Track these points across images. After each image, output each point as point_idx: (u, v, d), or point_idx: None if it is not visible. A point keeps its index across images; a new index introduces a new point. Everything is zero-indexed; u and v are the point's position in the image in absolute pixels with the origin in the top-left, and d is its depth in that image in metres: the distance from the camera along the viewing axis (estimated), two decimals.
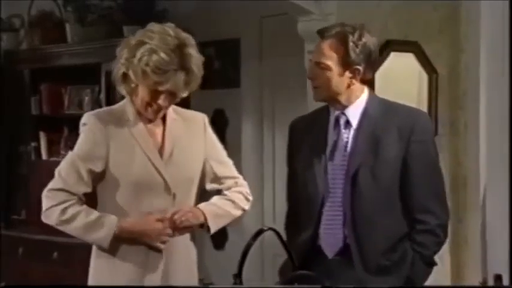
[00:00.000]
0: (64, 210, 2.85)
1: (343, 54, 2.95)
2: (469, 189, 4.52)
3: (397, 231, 2.98)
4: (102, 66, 5.44)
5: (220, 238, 5.73)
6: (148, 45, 2.81)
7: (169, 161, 2.92)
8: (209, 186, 3.03)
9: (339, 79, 2.97)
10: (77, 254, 5.10)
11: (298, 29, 4.54)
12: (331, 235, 2.99)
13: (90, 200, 2.94)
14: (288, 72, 5.35)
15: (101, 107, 5.26)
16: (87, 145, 2.90)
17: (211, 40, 5.47)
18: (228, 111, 5.88)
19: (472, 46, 4.53)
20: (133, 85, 2.88)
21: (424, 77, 4.66)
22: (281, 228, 2.80)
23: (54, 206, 2.86)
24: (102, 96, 5.60)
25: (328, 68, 2.96)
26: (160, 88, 2.82)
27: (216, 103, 5.86)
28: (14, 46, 6.23)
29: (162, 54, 2.78)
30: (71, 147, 2.98)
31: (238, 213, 3.04)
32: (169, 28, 2.87)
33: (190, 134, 3.00)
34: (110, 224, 2.85)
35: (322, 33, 3.01)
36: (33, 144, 6.10)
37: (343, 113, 3.02)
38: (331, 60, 2.96)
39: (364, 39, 2.96)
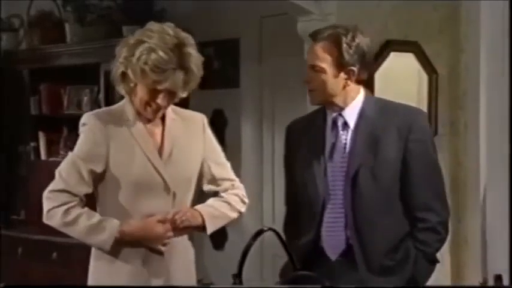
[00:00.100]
0: (67, 212, 2.84)
1: (337, 56, 2.95)
2: (469, 189, 4.52)
3: (398, 231, 2.99)
4: (101, 66, 5.44)
5: (219, 238, 5.72)
6: (147, 44, 2.80)
7: (168, 161, 2.92)
8: (206, 187, 3.03)
9: (334, 81, 2.97)
10: (76, 254, 5.10)
11: (298, 29, 4.53)
12: (333, 237, 2.99)
13: (89, 200, 2.94)
14: (287, 72, 5.34)
15: (100, 107, 5.27)
16: (88, 145, 2.89)
17: (210, 40, 5.47)
18: (228, 112, 5.88)
19: (472, 46, 4.53)
20: (132, 85, 2.87)
21: (424, 77, 4.66)
22: (281, 229, 2.80)
23: (56, 207, 2.85)
24: (101, 96, 5.60)
25: (323, 71, 2.97)
26: (159, 87, 2.82)
27: (215, 103, 5.85)
28: (13, 46, 6.22)
29: (161, 53, 2.78)
30: (70, 147, 2.97)
31: (235, 215, 3.04)
32: (169, 27, 2.86)
33: (189, 134, 3.00)
34: (112, 228, 2.84)
35: (314, 36, 3.01)
36: (32, 144, 6.10)
37: (341, 115, 3.02)
38: (326, 63, 2.96)
39: (357, 40, 2.96)
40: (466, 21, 4.60)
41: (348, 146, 3.00)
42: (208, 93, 5.83)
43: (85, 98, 5.81)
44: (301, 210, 3.08)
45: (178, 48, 2.81)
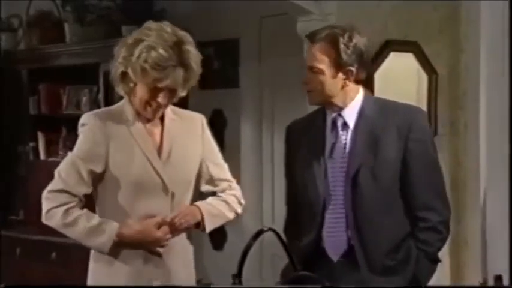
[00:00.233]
0: (66, 212, 2.84)
1: (335, 57, 2.95)
2: (469, 189, 4.52)
3: (400, 231, 2.98)
4: (100, 66, 5.43)
5: (219, 238, 5.72)
6: (146, 42, 2.80)
7: (167, 161, 2.91)
8: (204, 187, 3.03)
9: (332, 81, 2.97)
10: (75, 254, 5.09)
11: (297, 29, 4.53)
12: (334, 238, 2.98)
13: (88, 200, 2.93)
14: (287, 72, 5.34)
15: (99, 107, 5.26)
16: (87, 145, 2.88)
17: (210, 40, 5.46)
18: (227, 112, 5.87)
19: (472, 46, 4.52)
20: (131, 85, 2.87)
21: (424, 77, 4.66)
22: (280, 229, 2.79)
23: (55, 208, 2.84)
24: (101, 96, 5.59)
25: (321, 72, 2.97)
26: (160, 85, 2.81)
27: (215, 103, 5.85)
28: (12, 46, 6.22)
29: (161, 51, 2.77)
30: (69, 148, 2.97)
31: (232, 215, 3.04)
32: (166, 25, 2.86)
33: (188, 134, 3.00)
34: (111, 230, 2.84)
35: (312, 37, 3.01)
36: (31, 144, 6.09)
37: (340, 115, 3.02)
38: (324, 64, 2.96)
39: (354, 40, 2.96)
40: (466, 21, 4.60)
41: (347, 146, 2.99)
42: (208, 93, 5.83)
43: (84, 98, 5.80)
44: (302, 210, 3.07)
45: (177, 45, 2.81)
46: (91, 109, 5.28)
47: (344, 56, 2.94)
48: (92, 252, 2.94)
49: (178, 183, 2.92)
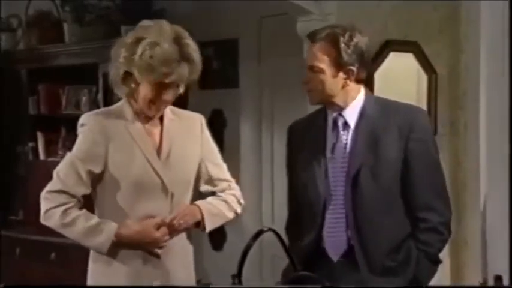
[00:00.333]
0: (64, 213, 2.83)
1: (336, 56, 2.94)
2: (469, 189, 4.51)
3: (400, 231, 2.97)
4: (99, 66, 5.42)
5: (218, 239, 5.72)
6: (148, 40, 2.80)
7: (166, 161, 2.91)
8: (203, 187, 3.03)
9: (332, 81, 2.96)
10: (74, 254, 5.08)
11: (297, 29, 4.53)
12: (334, 238, 2.97)
13: (86, 201, 2.92)
14: (287, 72, 5.33)
15: (98, 107, 5.25)
16: (86, 146, 2.88)
17: (210, 40, 5.46)
18: (227, 112, 5.87)
19: (472, 46, 4.52)
20: (133, 85, 2.86)
21: (424, 77, 4.65)
22: (280, 229, 2.79)
23: (54, 208, 2.84)
24: (100, 96, 5.58)
25: (322, 71, 2.96)
26: (167, 80, 2.81)
27: (214, 103, 5.85)
28: (11, 46, 6.21)
29: (165, 46, 2.78)
30: (69, 148, 2.97)
31: (231, 215, 3.04)
32: (162, 22, 2.86)
33: (188, 134, 2.99)
34: (109, 230, 2.83)
35: (312, 37, 3.01)
36: (30, 144, 6.08)
37: (341, 114, 3.01)
38: (324, 63, 2.95)
39: (355, 40, 2.95)
40: (466, 21, 4.59)
41: (348, 145, 2.99)
42: (208, 93, 5.83)
43: (83, 98, 5.80)
44: (303, 210, 3.07)
45: (178, 40, 2.82)
46: (90, 109, 5.27)
47: (345, 56, 2.93)
48: (92, 252, 2.93)
49: (178, 184, 2.92)
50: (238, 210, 3.06)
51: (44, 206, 2.86)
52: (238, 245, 2.62)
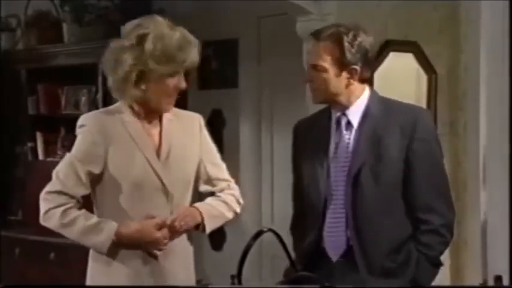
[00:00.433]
0: (64, 213, 2.82)
1: (339, 55, 2.93)
2: (469, 189, 4.51)
3: (401, 232, 2.95)
4: (99, 66, 5.40)
5: (218, 239, 5.71)
6: (152, 34, 2.82)
7: (166, 161, 2.91)
8: (203, 187, 3.03)
9: (336, 80, 2.95)
10: (73, 254, 5.07)
11: (297, 29, 4.52)
12: (334, 237, 2.96)
13: (86, 202, 2.91)
14: (286, 72, 5.33)
15: (97, 107, 5.24)
16: (85, 146, 2.87)
17: (209, 40, 5.43)
18: (226, 112, 5.87)
19: (472, 46, 4.52)
20: (143, 87, 2.84)
21: (423, 77, 4.65)
22: (280, 230, 2.78)
23: (53, 209, 2.83)
24: (99, 96, 5.57)
25: (325, 70, 2.95)
26: (184, 66, 2.84)
27: (214, 103, 5.84)
28: (10, 46, 6.20)
29: (171, 33, 2.81)
30: (68, 148, 2.96)
31: (231, 215, 3.04)
32: (151, 16, 2.89)
33: (187, 134, 2.99)
34: (109, 229, 2.83)
35: (316, 35, 2.99)
36: (30, 144, 6.07)
37: (344, 114, 3.00)
38: (327, 62, 2.94)
39: (359, 39, 2.94)
40: (466, 21, 4.59)
41: (350, 145, 2.97)
42: (207, 93, 5.83)
43: (83, 98, 5.79)
44: (306, 211, 3.06)
45: (172, 27, 2.85)
46: (90, 109, 5.28)
47: (348, 55, 2.92)
48: (91, 251, 2.93)
49: (177, 184, 2.91)
50: (238, 210, 3.05)
51: (43, 206, 2.85)
52: (238, 245, 2.62)
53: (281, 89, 5.49)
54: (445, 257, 3.07)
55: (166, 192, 2.88)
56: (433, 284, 3.07)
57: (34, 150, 6.07)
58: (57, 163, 2.92)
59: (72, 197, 2.84)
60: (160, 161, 2.89)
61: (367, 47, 2.95)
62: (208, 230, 2.95)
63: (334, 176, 2.97)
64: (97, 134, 2.86)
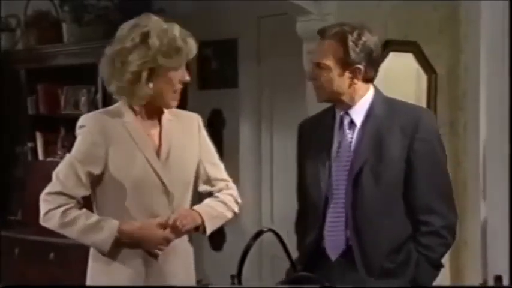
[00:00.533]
0: (65, 213, 2.82)
1: (343, 54, 2.92)
2: (469, 189, 4.50)
3: (401, 233, 2.93)
4: (98, 66, 5.40)
5: (218, 239, 5.71)
6: (154, 31, 2.83)
7: (166, 162, 2.90)
8: (202, 188, 3.02)
9: (339, 79, 2.94)
10: (73, 254, 5.08)
11: (296, 29, 4.52)
12: (334, 237, 2.95)
13: (86, 203, 2.91)
14: (286, 72, 5.33)
15: (97, 107, 5.24)
16: (85, 147, 2.87)
17: (209, 40, 5.44)
18: (226, 112, 5.86)
19: (472, 46, 4.51)
20: (151, 85, 2.84)
21: (423, 77, 4.64)
22: (279, 229, 2.78)
23: (53, 210, 2.82)
24: (99, 96, 5.57)
25: (328, 68, 2.94)
26: (191, 56, 2.87)
27: (213, 103, 5.84)
28: (10, 46, 6.20)
29: (173, 27, 2.84)
30: (68, 148, 2.96)
31: (230, 215, 3.04)
32: (145, 15, 2.92)
33: (186, 134, 2.99)
34: (111, 227, 2.82)
35: (322, 33, 2.98)
36: (29, 144, 6.07)
37: (347, 113, 2.99)
38: (331, 60, 2.93)
39: (364, 38, 2.93)
40: (466, 21, 4.59)
41: (353, 144, 2.97)
42: (207, 93, 5.83)
43: (82, 98, 5.79)
44: (308, 210, 3.05)
45: (167, 22, 2.87)
46: (89, 109, 5.27)
47: (352, 54, 2.91)
48: (91, 251, 2.92)
49: (178, 184, 2.91)
50: (236, 210, 3.05)
51: (43, 207, 2.84)
52: (238, 245, 2.61)
53: (281, 89, 5.49)
54: (445, 257, 3.05)
55: (167, 192, 2.88)
56: (433, 284, 3.06)
57: (34, 151, 6.07)
58: (56, 163, 2.91)
59: (72, 197, 2.83)
60: (160, 161, 2.89)
61: (371, 47, 2.94)
62: (208, 231, 2.95)
63: (336, 175, 2.96)
64: (97, 134, 2.86)
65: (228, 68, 5.80)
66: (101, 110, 3.13)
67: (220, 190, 3.03)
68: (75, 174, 2.83)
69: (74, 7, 5.76)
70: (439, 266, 2.97)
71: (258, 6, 5.39)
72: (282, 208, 5.55)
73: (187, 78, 2.91)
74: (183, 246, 2.95)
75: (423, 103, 4.57)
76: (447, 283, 4.46)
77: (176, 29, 2.86)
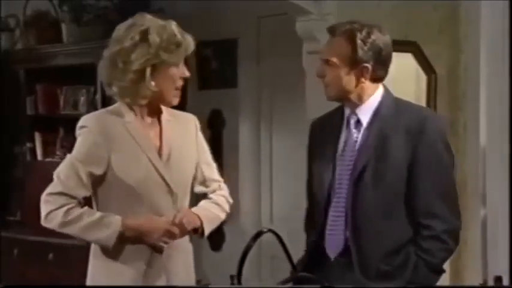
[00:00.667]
0: (67, 212, 2.81)
1: (351, 52, 2.89)
2: (469, 190, 4.50)
3: (401, 235, 2.89)
4: (97, 66, 5.39)
5: (217, 239, 5.71)
6: (153, 28, 2.83)
7: (167, 162, 2.90)
8: (197, 188, 3.03)
9: (347, 77, 2.91)
10: (72, 255, 5.09)
11: (296, 29, 4.52)
12: (333, 236, 2.94)
13: (86, 204, 2.90)
14: (286, 72, 5.33)
15: (96, 107, 5.24)
16: (87, 148, 2.86)
17: (209, 40, 5.45)
18: (226, 112, 5.87)
19: (472, 46, 4.51)
20: (153, 82, 2.84)
21: (423, 77, 4.64)
22: (279, 230, 2.77)
23: (55, 210, 2.81)
24: (98, 96, 5.57)
25: (336, 66, 2.91)
26: (190, 51, 2.87)
27: (213, 103, 5.84)
28: (9, 46, 6.19)
29: (169, 23, 2.85)
30: (67, 148, 2.95)
31: (223, 216, 3.06)
32: (139, 15, 2.93)
33: (184, 135, 2.99)
34: (115, 222, 2.81)
35: (332, 31, 2.96)
36: (28, 144, 6.06)
37: (354, 112, 2.97)
38: (339, 58, 2.90)
39: (373, 37, 2.89)
40: (466, 21, 4.59)
41: (358, 144, 2.95)
42: (206, 93, 5.83)
43: (82, 99, 5.78)
44: (314, 208, 3.04)
45: (162, 19, 2.89)
46: (88, 110, 5.27)
47: (360, 52, 2.87)
48: (92, 249, 2.91)
49: (179, 185, 2.92)
50: (228, 210, 3.08)
51: (45, 208, 2.83)
52: (237, 245, 2.61)
53: (281, 89, 5.49)
54: None
55: (171, 192, 2.88)
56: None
57: (33, 151, 6.06)
58: (56, 164, 2.91)
59: (73, 198, 2.83)
60: (162, 162, 2.89)
61: (380, 46, 2.90)
62: (206, 233, 2.96)
63: (339, 174, 2.94)
64: (98, 135, 2.85)
65: (227, 68, 5.79)
66: (101, 110, 3.12)
67: (213, 191, 3.05)
68: (77, 175, 2.83)
69: (73, 7, 5.76)
70: (439, 272, 2.92)
71: (258, 6, 5.39)
72: (281, 208, 5.55)
73: (187, 73, 2.91)
74: (183, 245, 2.95)
75: (423, 103, 4.57)
76: (447, 283, 4.46)
77: (173, 25, 2.87)
